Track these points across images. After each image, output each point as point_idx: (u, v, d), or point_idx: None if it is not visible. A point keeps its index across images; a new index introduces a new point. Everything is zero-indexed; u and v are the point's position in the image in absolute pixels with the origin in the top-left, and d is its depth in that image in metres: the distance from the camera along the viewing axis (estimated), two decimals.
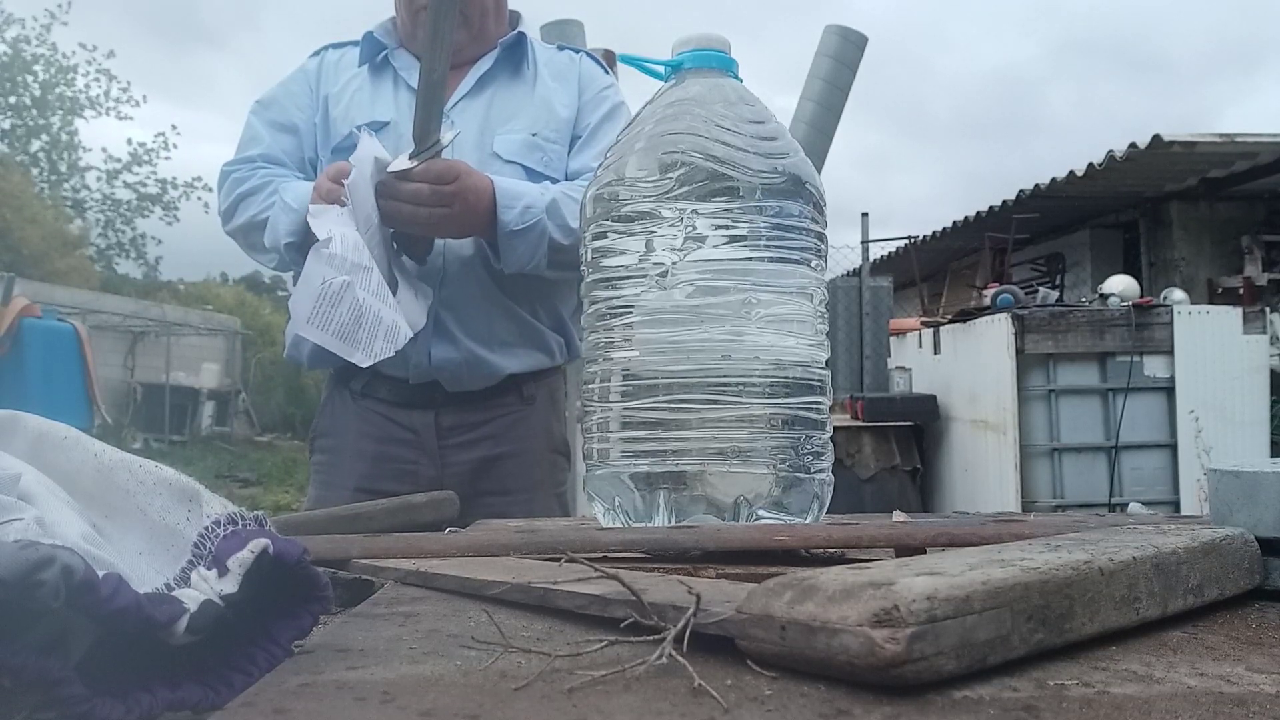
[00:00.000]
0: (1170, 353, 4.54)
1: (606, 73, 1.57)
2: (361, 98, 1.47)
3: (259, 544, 0.40)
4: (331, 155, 1.45)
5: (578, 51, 1.58)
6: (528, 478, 1.48)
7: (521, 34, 1.52)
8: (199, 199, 21.45)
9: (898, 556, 0.62)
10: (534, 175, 1.43)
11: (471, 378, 1.42)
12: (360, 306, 1.13)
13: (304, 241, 1.33)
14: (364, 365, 1.17)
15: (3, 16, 19.47)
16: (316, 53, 1.57)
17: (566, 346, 1.52)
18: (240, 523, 0.42)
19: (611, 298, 0.87)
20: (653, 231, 0.84)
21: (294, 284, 1.45)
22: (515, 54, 1.51)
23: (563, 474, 1.57)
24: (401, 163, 1.20)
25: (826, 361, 0.89)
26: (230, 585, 0.39)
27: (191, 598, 0.37)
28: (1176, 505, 4.45)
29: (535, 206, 1.32)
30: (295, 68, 1.56)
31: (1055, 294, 5.82)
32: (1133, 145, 5.71)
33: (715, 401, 0.81)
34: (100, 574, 0.35)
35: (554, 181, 1.43)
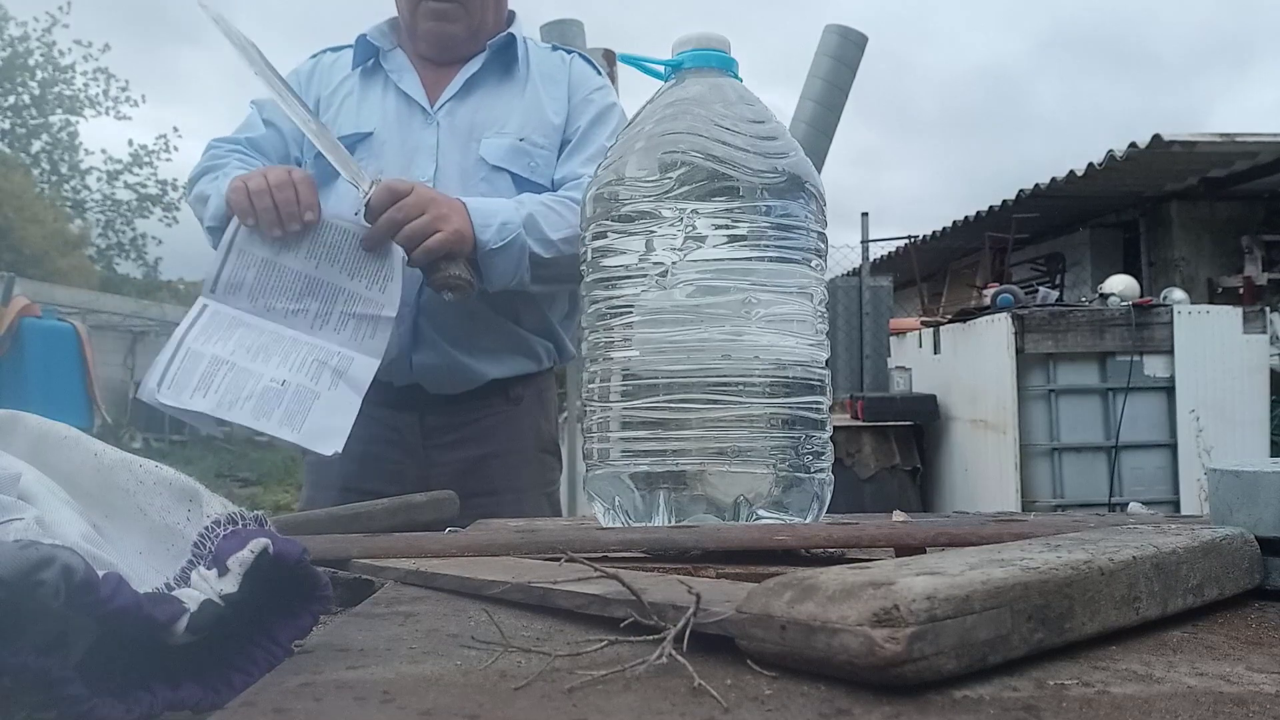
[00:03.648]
0: (1170, 352, 4.53)
1: (599, 73, 1.54)
2: (350, 104, 1.46)
3: (259, 544, 0.40)
4: (315, 160, 1.45)
5: (570, 52, 1.56)
6: (515, 478, 1.47)
7: (512, 35, 1.50)
8: None
9: (898, 556, 0.62)
10: (520, 182, 1.41)
11: (454, 382, 1.41)
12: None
13: (222, 227, 1.32)
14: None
15: (3, 17, 19.50)
16: (315, 55, 1.56)
17: (556, 351, 1.51)
18: (240, 522, 0.42)
19: (611, 297, 0.87)
20: (653, 231, 0.84)
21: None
22: (505, 55, 1.49)
23: (553, 474, 1.55)
24: (357, 215, 1.26)
25: (826, 361, 0.89)
26: (230, 585, 0.39)
27: (191, 597, 0.38)
28: (1176, 505, 4.44)
29: (511, 223, 1.29)
30: (289, 70, 1.56)
31: (1055, 294, 5.81)
32: (1133, 145, 5.71)
33: (715, 401, 0.82)
34: (100, 574, 0.35)
35: (542, 188, 1.41)
